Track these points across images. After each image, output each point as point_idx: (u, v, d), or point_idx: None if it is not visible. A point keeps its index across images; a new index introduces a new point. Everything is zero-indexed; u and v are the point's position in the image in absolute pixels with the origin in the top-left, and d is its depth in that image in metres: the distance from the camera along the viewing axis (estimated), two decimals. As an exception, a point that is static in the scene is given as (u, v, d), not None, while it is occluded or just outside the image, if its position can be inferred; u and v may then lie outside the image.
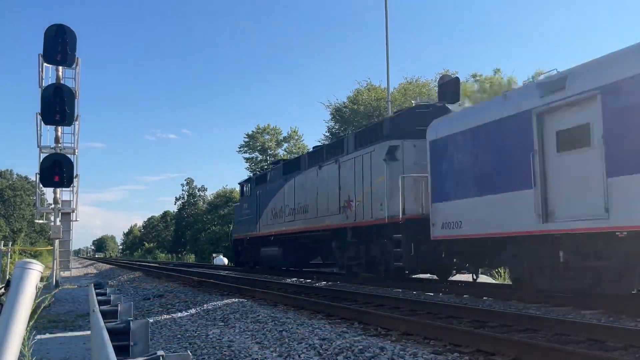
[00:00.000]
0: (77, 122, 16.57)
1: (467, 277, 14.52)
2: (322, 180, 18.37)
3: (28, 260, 3.23)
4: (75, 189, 16.87)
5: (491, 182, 11.17)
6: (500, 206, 10.83)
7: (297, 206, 20.22)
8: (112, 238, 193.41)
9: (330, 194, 17.61)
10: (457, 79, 21.10)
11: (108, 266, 49.33)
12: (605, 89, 8.82)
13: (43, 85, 16.13)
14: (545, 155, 10.00)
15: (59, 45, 16.16)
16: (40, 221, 18.87)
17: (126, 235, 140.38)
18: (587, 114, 9.22)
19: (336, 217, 17.22)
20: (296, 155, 41.06)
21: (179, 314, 10.76)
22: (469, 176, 11.87)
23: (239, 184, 29.60)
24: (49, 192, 17.27)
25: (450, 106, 15.21)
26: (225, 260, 44.98)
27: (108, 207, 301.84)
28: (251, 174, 42.06)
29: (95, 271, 38.74)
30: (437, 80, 26.10)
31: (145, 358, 2.61)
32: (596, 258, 9.05)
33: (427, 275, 15.98)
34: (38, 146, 16.18)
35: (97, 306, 5.35)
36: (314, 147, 22.60)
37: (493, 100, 12.17)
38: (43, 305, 12.19)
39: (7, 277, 11.51)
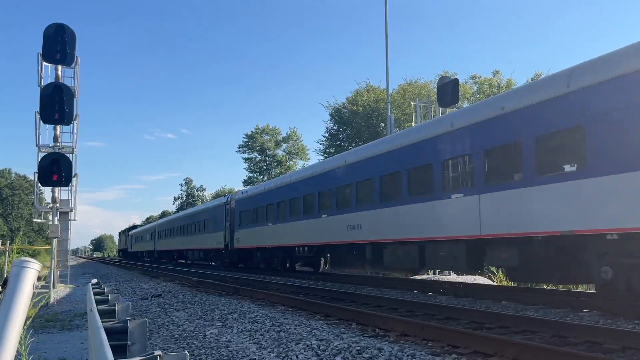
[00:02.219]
0: (76, 121, 16.51)
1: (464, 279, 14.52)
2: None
3: (26, 259, 3.22)
4: (73, 188, 16.80)
5: None
6: None
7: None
8: (111, 237, 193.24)
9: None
10: (457, 80, 21.16)
11: (106, 266, 49.28)
12: None
13: (42, 84, 16.08)
14: None
15: (58, 44, 16.10)
16: (39, 220, 18.80)
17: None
18: None
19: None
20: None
21: (177, 314, 10.75)
22: None
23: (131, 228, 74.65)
24: (47, 191, 17.21)
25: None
26: None
27: (107, 206, 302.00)
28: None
29: (92, 270, 38.68)
30: (437, 81, 26.14)
31: (143, 358, 2.59)
32: None
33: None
34: (37, 145, 16.12)
35: (94, 305, 5.33)
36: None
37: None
38: (40, 304, 12.13)
39: (5, 276, 11.48)
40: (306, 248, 20.77)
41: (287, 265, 23.68)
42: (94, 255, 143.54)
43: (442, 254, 12.70)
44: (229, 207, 29.80)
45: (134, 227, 75.32)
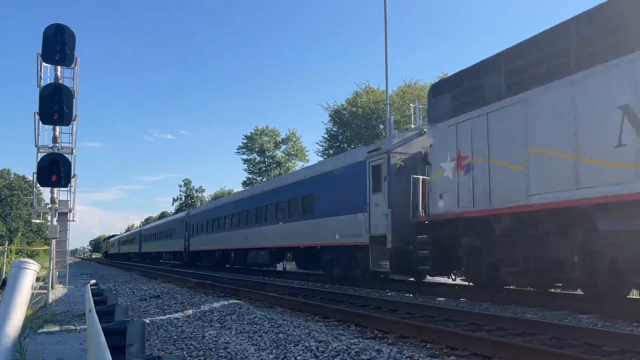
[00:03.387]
0: (75, 122, 16.48)
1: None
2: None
3: (24, 259, 3.23)
4: (72, 189, 16.76)
5: None
6: None
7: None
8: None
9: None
10: (456, 82, 21.14)
11: (105, 266, 49.28)
12: None
13: (42, 84, 16.05)
14: None
15: (57, 44, 16.05)
16: (37, 221, 18.78)
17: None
18: None
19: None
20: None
21: (175, 315, 10.74)
22: None
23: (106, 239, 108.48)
24: (46, 192, 17.16)
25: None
26: None
27: (105, 207, 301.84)
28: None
29: (91, 271, 38.66)
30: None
31: (141, 359, 2.59)
32: None
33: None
34: (36, 145, 16.08)
35: (93, 306, 5.33)
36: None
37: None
38: (39, 305, 12.12)
39: (4, 277, 11.46)
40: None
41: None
42: (92, 256, 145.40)
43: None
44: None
45: (112, 236, 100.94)
